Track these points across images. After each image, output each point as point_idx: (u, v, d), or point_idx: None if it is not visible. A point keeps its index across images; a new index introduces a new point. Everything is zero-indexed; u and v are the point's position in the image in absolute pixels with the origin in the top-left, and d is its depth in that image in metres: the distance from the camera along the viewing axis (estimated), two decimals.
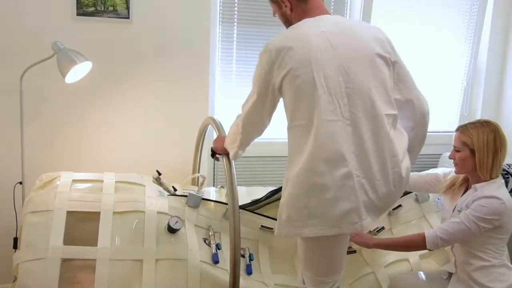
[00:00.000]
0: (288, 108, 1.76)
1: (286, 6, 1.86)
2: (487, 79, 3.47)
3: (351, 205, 1.70)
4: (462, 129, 2.14)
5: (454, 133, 2.18)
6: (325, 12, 1.84)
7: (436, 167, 3.25)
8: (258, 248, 2.28)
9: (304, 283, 1.96)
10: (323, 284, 1.91)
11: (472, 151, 2.09)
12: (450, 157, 2.21)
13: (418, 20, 3.33)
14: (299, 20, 1.82)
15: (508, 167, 2.88)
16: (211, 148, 2.21)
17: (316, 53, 1.70)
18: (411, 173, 2.39)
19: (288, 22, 1.90)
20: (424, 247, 2.10)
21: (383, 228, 2.40)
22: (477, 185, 2.11)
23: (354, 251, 2.34)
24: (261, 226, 2.29)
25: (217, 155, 2.19)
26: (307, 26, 1.77)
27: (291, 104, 1.74)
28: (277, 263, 2.29)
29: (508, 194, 2.09)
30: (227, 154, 2.05)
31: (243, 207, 2.34)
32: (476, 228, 2.02)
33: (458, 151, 2.14)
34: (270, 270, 2.26)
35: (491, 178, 2.09)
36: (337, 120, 1.69)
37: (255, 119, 1.86)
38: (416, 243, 2.13)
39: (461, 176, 2.23)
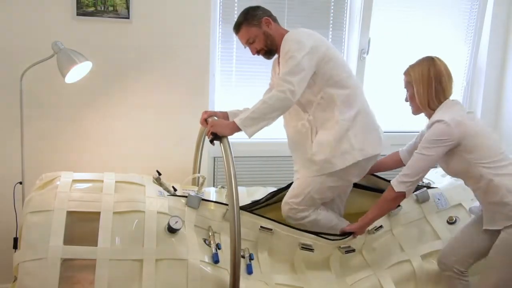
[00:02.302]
0: (333, 69, 2.34)
1: (268, 24, 2.39)
2: (487, 79, 3.48)
3: None
4: (405, 71, 2.29)
5: None
6: None
7: (436, 167, 3.25)
8: (257, 249, 2.28)
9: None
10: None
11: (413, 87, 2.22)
12: (405, 100, 2.32)
13: (418, 20, 3.33)
14: (278, 33, 2.38)
15: None
16: (212, 132, 2.19)
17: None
18: (404, 149, 2.56)
19: (269, 39, 2.39)
20: (395, 192, 2.15)
21: (381, 226, 2.40)
22: (430, 120, 2.20)
23: (353, 250, 2.34)
24: (260, 227, 2.28)
25: (216, 141, 2.20)
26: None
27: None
28: (276, 264, 2.29)
29: (456, 113, 2.15)
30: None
31: (242, 208, 2.33)
32: (431, 152, 2.11)
33: (407, 91, 2.27)
34: (270, 270, 2.25)
35: (430, 109, 2.19)
36: None
37: (304, 87, 2.26)
38: (389, 196, 2.19)
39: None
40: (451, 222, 2.48)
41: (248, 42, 2.41)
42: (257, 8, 2.41)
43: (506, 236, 2.09)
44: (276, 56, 2.48)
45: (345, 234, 2.35)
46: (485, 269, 2.20)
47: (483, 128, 2.20)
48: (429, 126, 2.17)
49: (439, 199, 2.54)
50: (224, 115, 2.48)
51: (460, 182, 2.61)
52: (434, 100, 2.19)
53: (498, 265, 2.13)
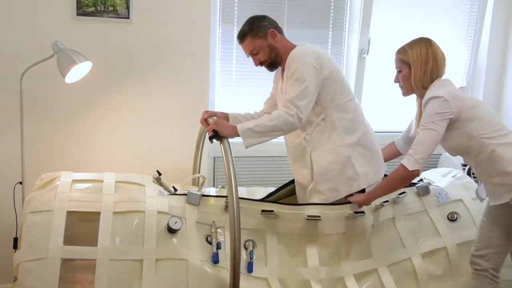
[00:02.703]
0: (337, 91, 2.31)
1: (274, 36, 2.34)
2: (487, 79, 3.48)
3: None
4: (399, 50, 2.28)
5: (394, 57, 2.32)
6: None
7: (436, 167, 3.25)
8: (265, 237, 2.25)
9: None
10: None
11: (410, 67, 2.22)
12: (395, 81, 2.32)
13: (418, 20, 3.33)
14: (283, 46, 2.35)
15: None
16: (214, 129, 2.19)
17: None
18: (399, 140, 2.61)
19: (274, 51, 2.35)
20: (409, 171, 2.13)
21: (387, 201, 2.37)
22: (423, 100, 2.20)
23: (363, 212, 2.29)
24: (262, 211, 2.25)
25: (215, 139, 2.21)
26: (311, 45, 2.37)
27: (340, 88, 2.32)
28: (285, 247, 2.25)
29: (449, 88, 2.18)
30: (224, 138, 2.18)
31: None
32: (437, 127, 2.11)
33: (400, 71, 2.27)
34: (277, 260, 2.22)
35: (423, 88, 2.21)
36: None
37: (310, 110, 2.26)
38: (402, 174, 2.16)
39: (417, 107, 2.33)
40: (452, 219, 2.47)
41: (252, 53, 2.37)
42: (263, 18, 2.37)
43: None
44: (279, 68, 2.45)
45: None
46: None
47: (478, 100, 2.22)
48: (425, 104, 2.16)
49: (440, 193, 2.53)
50: (225, 116, 2.48)
51: (461, 182, 2.62)
52: (428, 80, 2.21)
53: None
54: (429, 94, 2.17)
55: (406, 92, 2.31)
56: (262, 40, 2.34)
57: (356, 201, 2.30)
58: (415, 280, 2.33)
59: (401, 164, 2.16)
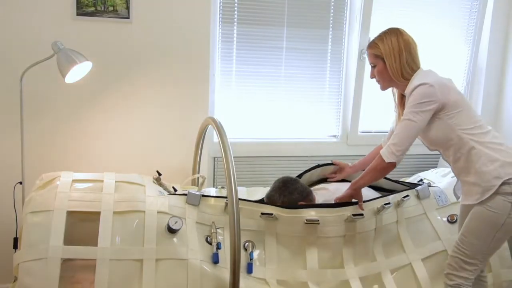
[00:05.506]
0: None
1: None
2: (487, 79, 3.48)
3: None
4: (370, 44, 2.25)
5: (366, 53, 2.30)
6: None
7: (436, 167, 3.25)
8: (264, 239, 2.26)
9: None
10: None
11: (384, 60, 2.19)
12: (371, 77, 2.29)
13: (418, 20, 3.33)
14: None
15: None
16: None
17: None
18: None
19: None
20: (385, 163, 2.12)
21: (389, 203, 2.36)
22: (406, 90, 2.17)
23: (361, 214, 2.28)
24: (261, 213, 2.25)
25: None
26: None
27: None
28: (285, 249, 2.26)
29: (435, 76, 2.15)
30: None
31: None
32: (418, 117, 2.07)
33: (374, 66, 2.24)
34: (276, 261, 2.23)
35: (404, 79, 2.17)
36: None
37: None
38: (379, 165, 2.15)
39: (397, 100, 2.32)
40: (452, 221, 2.47)
41: None
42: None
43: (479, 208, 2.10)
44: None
45: (347, 204, 2.31)
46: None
47: (462, 94, 2.19)
48: (410, 92, 2.11)
49: (439, 196, 2.53)
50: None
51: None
52: (407, 69, 2.17)
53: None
54: (414, 82, 2.13)
55: (384, 87, 2.28)
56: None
57: (343, 198, 2.28)
58: (417, 286, 2.31)
59: (379, 155, 2.15)
